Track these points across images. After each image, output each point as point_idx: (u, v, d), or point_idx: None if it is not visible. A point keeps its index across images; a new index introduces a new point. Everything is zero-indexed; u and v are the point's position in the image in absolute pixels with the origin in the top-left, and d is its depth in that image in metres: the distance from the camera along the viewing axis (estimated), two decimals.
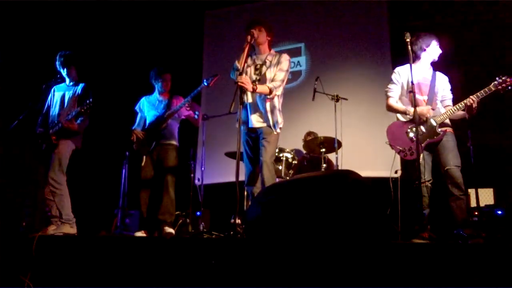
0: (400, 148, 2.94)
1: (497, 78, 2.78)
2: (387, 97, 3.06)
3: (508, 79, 2.75)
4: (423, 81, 2.97)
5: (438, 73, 3.03)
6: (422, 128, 2.88)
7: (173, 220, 3.52)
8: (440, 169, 2.85)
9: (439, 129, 2.86)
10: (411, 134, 2.89)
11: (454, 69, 3.34)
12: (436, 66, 3.07)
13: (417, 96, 2.89)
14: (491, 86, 2.78)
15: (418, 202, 2.85)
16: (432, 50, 2.97)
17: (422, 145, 2.87)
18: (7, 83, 4.77)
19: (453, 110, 2.86)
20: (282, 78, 2.94)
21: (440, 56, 3.02)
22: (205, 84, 3.47)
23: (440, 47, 3.00)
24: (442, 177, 2.84)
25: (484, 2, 4.61)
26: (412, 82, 2.76)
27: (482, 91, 2.78)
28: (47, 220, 3.29)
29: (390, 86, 3.06)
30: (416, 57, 3.00)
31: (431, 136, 2.86)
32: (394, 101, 3.03)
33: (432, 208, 2.90)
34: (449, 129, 2.91)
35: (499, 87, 2.76)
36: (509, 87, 2.76)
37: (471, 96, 2.77)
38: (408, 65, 2.98)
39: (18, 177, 4.56)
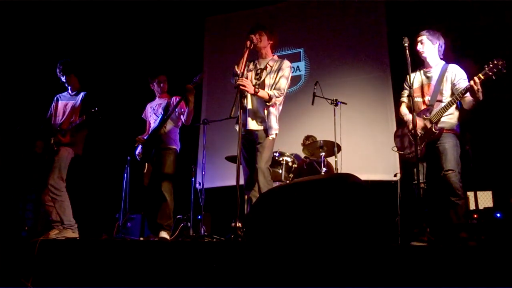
0: (403, 152, 3.03)
1: (489, 63, 2.67)
2: (400, 102, 3.16)
3: (500, 62, 2.65)
4: (426, 82, 2.98)
5: (451, 66, 2.94)
6: (421, 130, 2.89)
7: (172, 224, 3.52)
8: (438, 172, 2.83)
9: (435, 127, 2.83)
10: (411, 137, 2.95)
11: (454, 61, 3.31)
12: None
13: (418, 99, 2.95)
14: (480, 75, 2.67)
15: (418, 203, 2.88)
16: (416, 48, 2.99)
17: (422, 146, 2.88)
18: (9, 88, 4.81)
19: (448, 104, 2.80)
20: (284, 87, 2.94)
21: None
22: (194, 81, 3.42)
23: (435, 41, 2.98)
24: (440, 181, 2.82)
25: (483, 5, 4.64)
26: (410, 86, 2.80)
27: (480, 75, 2.67)
28: (49, 225, 3.30)
29: (403, 92, 3.16)
30: (421, 60, 3.05)
31: (429, 136, 2.87)
32: (403, 107, 3.11)
33: (431, 211, 2.91)
34: (448, 130, 2.86)
35: (490, 72, 2.65)
36: (503, 70, 2.64)
37: (474, 77, 2.67)
38: (417, 70, 3.06)
39: (20, 181, 4.59)
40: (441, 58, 3.02)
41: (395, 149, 3.13)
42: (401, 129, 3.14)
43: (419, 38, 2.99)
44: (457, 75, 2.89)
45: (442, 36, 3.02)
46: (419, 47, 2.98)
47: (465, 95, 2.76)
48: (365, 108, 4.87)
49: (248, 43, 2.88)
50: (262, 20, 5.53)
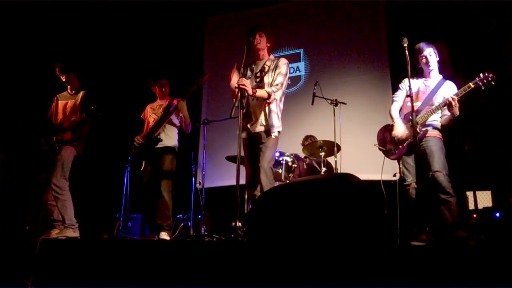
0: (383, 149, 3.12)
1: (480, 74, 2.81)
2: (392, 101, 3.22)
3: (491, 75, 2.78)
4: (423, 89, 3.06)
5: (447, 82, 3.06)
6: (406, 129, 2.97)
7: (171, 224, 3.53)
8: (427, 173, 2.89)
9: (419, 129, 2.90)
10: (393, 135, 3.03)
11: (451, 73, 3.36)
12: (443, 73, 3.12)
13: (411, 103, 2.99)
14: (470, 83, 2.81)
15: (410, 205, 2.92)
16: (421, 63, 3.05)
17: (404, 145, 2.95)
18: (10, 88, 4.81)
19: (434, 109, 2.91)
20: (281, 82, 2.96)
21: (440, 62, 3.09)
22: (197, 82, 3.46)
23: (438, 55, 3.07)
24: (429, 181, 2.87)
25: (483, 5, 4.64)
26: (409, 86, 2.82)
27: (461, 89, 2.83)
28: (50, 224, 3.31)
29: (396, 92, 3.23)
30: (420, 69, 3.11)
31: (413, 136, 2.91)
32: (394, 106, 3.17)
33: (430, 210, 2.93)
34: (434, 133, 2.95)
35: (480, 83, 2.79)
36: (492, 83, 2.78)
37: (451, 95, 2.83)
38: (415, 78, 3.12)
39: (21, 181, 4.60)
40: (439, 73, 3.11)
41: (383, 149, 3.19)
42: (383, 129, 3.21)
43: (428, 51, 3.03)
44: (447, 93, 2.99)
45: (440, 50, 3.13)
46: (430, 59, 3.03)
47: (444, 113, 2.90)
48: (365, 108, 4.88)
49: (246, 46, 2.90)
50: (261, 20, 5.55)
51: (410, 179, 2.94)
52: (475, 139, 3.94)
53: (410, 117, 2.91)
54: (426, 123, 2.94)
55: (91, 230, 3.89)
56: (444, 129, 3.01)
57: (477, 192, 3.58)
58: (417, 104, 3.02)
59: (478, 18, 4.70)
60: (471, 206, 3.60)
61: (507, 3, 4.39)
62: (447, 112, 2.90)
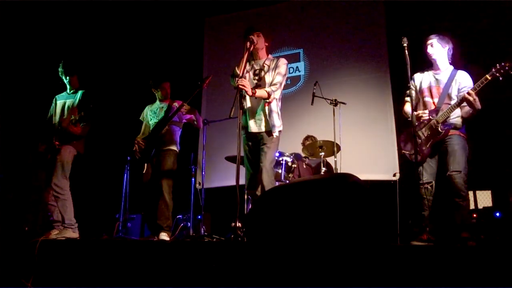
0: (409, 152, 3.04)
1: (496, 65, 2.73)
2: (404, 101, 3.17)
3: (508, 63, 2.69)
4: (435, 84, 2.99)
5: (459, 72, 2.97)
6: (427, 130, 2.92)
7: (171, 225, 3.53)
8: (444, 173, 2.84)
9: (441, 128, 2.85)
10: (417, 137, 2.96)
11: (463, 64, 3.30)
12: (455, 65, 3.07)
13: (427, 99, 2.97)
14: (487, 75, 2.73)
15: (418, 204, 2.88)
16: (427, 53, 3.01)
17: (427, 146, 2.90)
18: (10, 89, 4.81)
19: (453, 106, 2.84)
20: (280, 81, 2.98)
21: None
22: (199, 84, 3.47)
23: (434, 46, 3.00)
24: (444, 181, 2.82)
25: (483, 5, 4.64)
26: (409, 86, 2.82)
27: (479, 82, 2.75)
28: (50, 225, 3.31)
29: (407, 91, 3.14)
30: (429, 62, 3.06)
31: (435, 136, 2.88)
32: (408, 106, 3.12)
33: (431, 211, 2.92)
34: (454, 131, 2.88)
35: (497, 73, 2.70)
36: (510, 72, 2.69)
37: (468, 90, 2.76)
38: (425, 71, 3.07)
39: (21, 181, 4.59)
40: (449, 63, 3.04)
41: (407, 153, 3.10)
42: (403, 134, 3.17)
43: (429, 41, 2.99)
44: (462, 83, 2.92)
45: (451, 40, 3.03)
46: (429, 49, 2.99)
47: (463, 105, 2.82)
48: (365, 108, 4.88)
49: (248, 44, 2.90)
50: (261, 20, 5.56)
51: (426, 178, 2.87)
52: (476, 138, 3.92)
53: (431, 116, 2.89)
54: (448, 121, 2.87)
55: (91, 231, 3.89)
56: (466, 122, 2.92)
57: (477, 192, 3.58)
58: (435, 101, 2.96)
59: (478, 17, 4.69)
60: (471, 206, 3.60)
61: (507, 3, 4.39)
62: (466, 104, 2.81)
